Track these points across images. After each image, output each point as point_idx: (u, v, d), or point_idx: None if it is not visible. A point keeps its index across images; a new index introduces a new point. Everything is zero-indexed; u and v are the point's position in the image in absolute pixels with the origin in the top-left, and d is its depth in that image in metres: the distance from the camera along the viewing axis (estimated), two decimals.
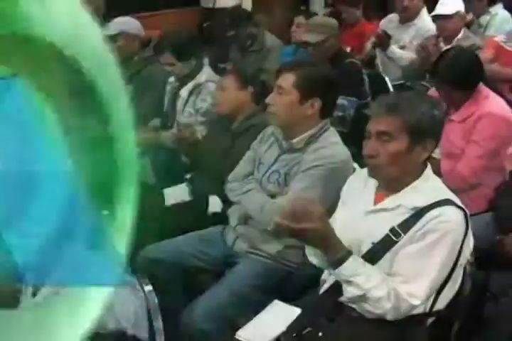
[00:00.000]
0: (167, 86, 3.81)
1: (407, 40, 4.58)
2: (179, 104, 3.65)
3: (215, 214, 2.91)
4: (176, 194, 3.17)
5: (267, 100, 2.44)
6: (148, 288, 1.92)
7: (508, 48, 3.92)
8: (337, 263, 1.89)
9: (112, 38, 3.82)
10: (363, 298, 1.88)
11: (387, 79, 4.27)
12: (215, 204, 2.93)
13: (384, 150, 1.89)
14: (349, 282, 1.88)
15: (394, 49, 4.49)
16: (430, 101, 1.94)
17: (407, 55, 4.40)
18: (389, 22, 4.87)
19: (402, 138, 1.88)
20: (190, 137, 3.33)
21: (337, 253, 1.89)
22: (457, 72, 2.81)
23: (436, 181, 2.01)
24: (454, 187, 2.11)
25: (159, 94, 3.86)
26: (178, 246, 2.60)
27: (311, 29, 3.93)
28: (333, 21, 4.06)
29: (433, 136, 1.93)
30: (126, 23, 3.87)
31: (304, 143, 2.40)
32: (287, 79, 2.38)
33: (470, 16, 4.63)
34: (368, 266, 1.90)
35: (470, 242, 1.95)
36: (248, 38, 5.01)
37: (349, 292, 1.89)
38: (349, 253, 1.90)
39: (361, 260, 1.91)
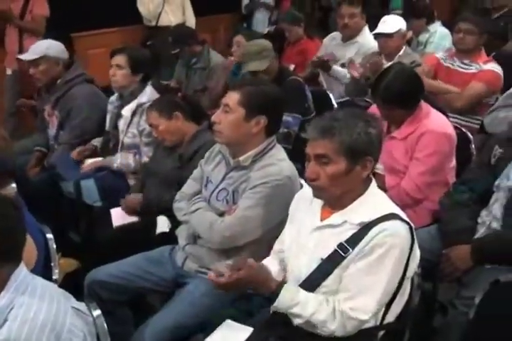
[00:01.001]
0: (108, 105, 3.74)
1: (350, 57, 4.64)
2: (122, 124, 3.58)
3: (163, 234, 2.87)
4: (123, 214, 3.13)
5: (213, 118, 2.44)
6: (97, 312, 1.87)
7: (446, 65, 4.03)
8: (272, 297, 1.92)
9: (34, 62, 3.75)
10: (308, 323, 1.90)
11: (331, 96, 4.32)
12: (162, 224, 2.90)
13: (324, 173, 1.92)
14: (289, 313, 1.91)
15: (336, 68, 4.56)
16: (366, 120, 1.94)
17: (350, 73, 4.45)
18: (331, 40, 4.93)
19: (340, 159, 1.90)
20: None
21: (269, 290, 1.94)
22: (397, 92, 2.84)
23: (381, 196, 2.04)
24: (398, 202, 2.13)
25: (92, 114, 3.79)
26: (126, 268, 2.55)
27: (252, 58, 3.86)
28: (266, 44, 3.95)
29: (371, 155, 1.94)
30: (48, 47, 3.77)
31: (250, 160, 2.41)
32: (232, 97, 2.39)
33: (409, 34, 4.72)
34: (303, 292, 1.92)
35: (417, 255, 1.98)
36: (193, 55, 5.01)
37: (294, 320, 1.93)
38: (280, 286, 1.93)
39: (295, 288, 1.94)
